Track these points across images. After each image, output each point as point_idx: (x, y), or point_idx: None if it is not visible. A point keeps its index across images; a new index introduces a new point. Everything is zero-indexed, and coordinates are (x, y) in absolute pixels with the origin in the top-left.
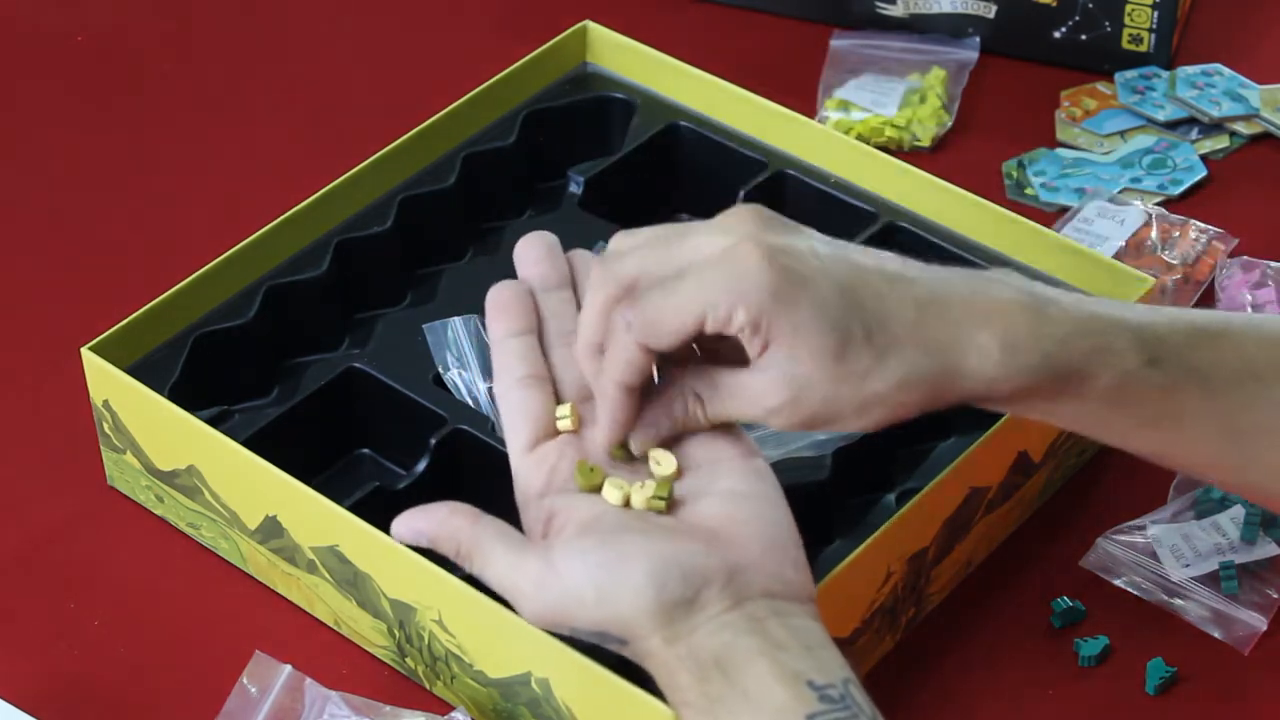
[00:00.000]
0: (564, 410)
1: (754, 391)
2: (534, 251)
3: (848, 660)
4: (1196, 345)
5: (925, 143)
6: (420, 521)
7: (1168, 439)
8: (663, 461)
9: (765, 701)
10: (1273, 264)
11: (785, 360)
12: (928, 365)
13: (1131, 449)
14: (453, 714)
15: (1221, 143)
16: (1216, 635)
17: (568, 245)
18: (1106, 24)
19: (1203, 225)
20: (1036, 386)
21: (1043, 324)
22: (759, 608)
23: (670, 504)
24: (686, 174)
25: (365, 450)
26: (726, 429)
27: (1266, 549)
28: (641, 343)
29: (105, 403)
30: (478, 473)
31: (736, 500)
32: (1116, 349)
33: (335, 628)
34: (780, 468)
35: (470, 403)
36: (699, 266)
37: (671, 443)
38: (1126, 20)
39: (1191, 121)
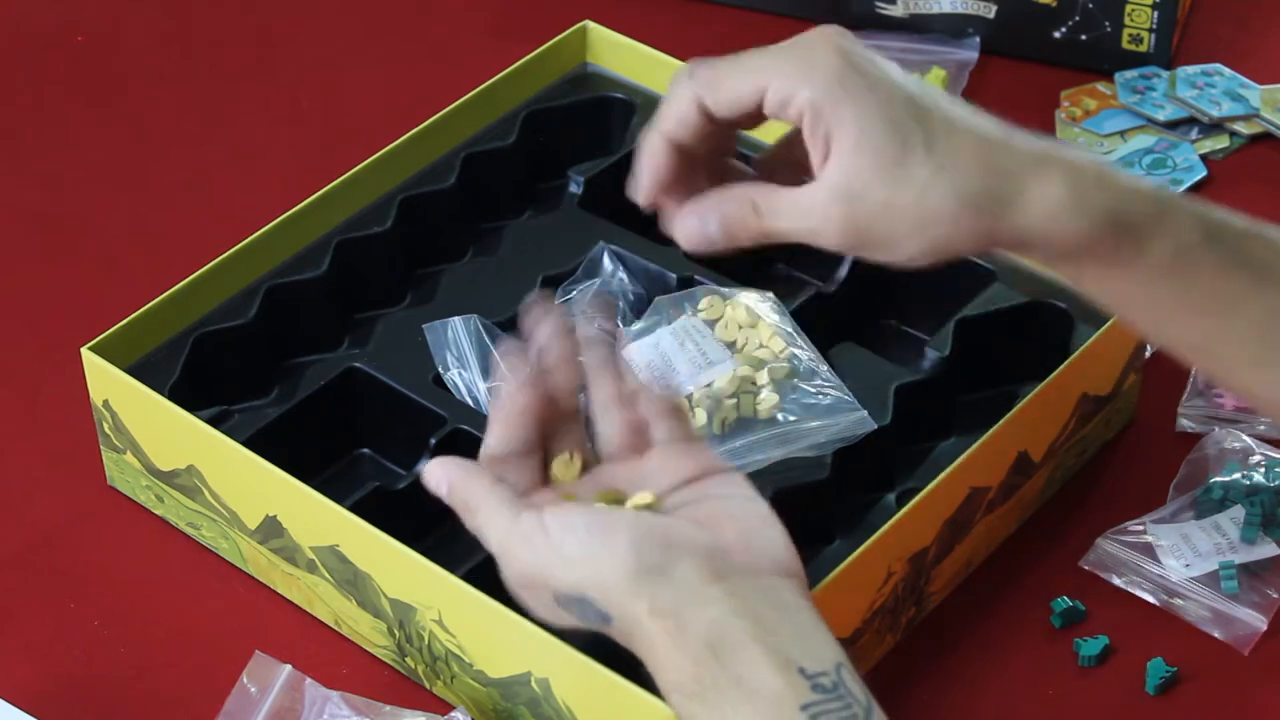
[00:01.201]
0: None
1: (811, 202)
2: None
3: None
4: (1254, 236)
5: None
6: (451, 473)
7: (1213, 328)
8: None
9: (758, 689)
10: None
11: (845, 160)
12: (991, 186)
13: (1175, 340)
14: (453, 714)
15: (1221, 143)
16: (1216, 635)
17: (568, 245)
18: (1106, 24)
19: None
20: (1095, 240)
21: (1109, 180)
22: (743, 584)
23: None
24: None
25: (365, 450)
26: (695, 455)
27: (1266, 549)
28: (697, 95)
29: (105, 403)
30: None
31: (718, 500)
32: (1179, 219)
33: (335, 628)
34: (780, 467)
35: (470, 403)
36: (773, 50)
37: (643, 449)
38: (1126, 20)
39: (1191, 121)
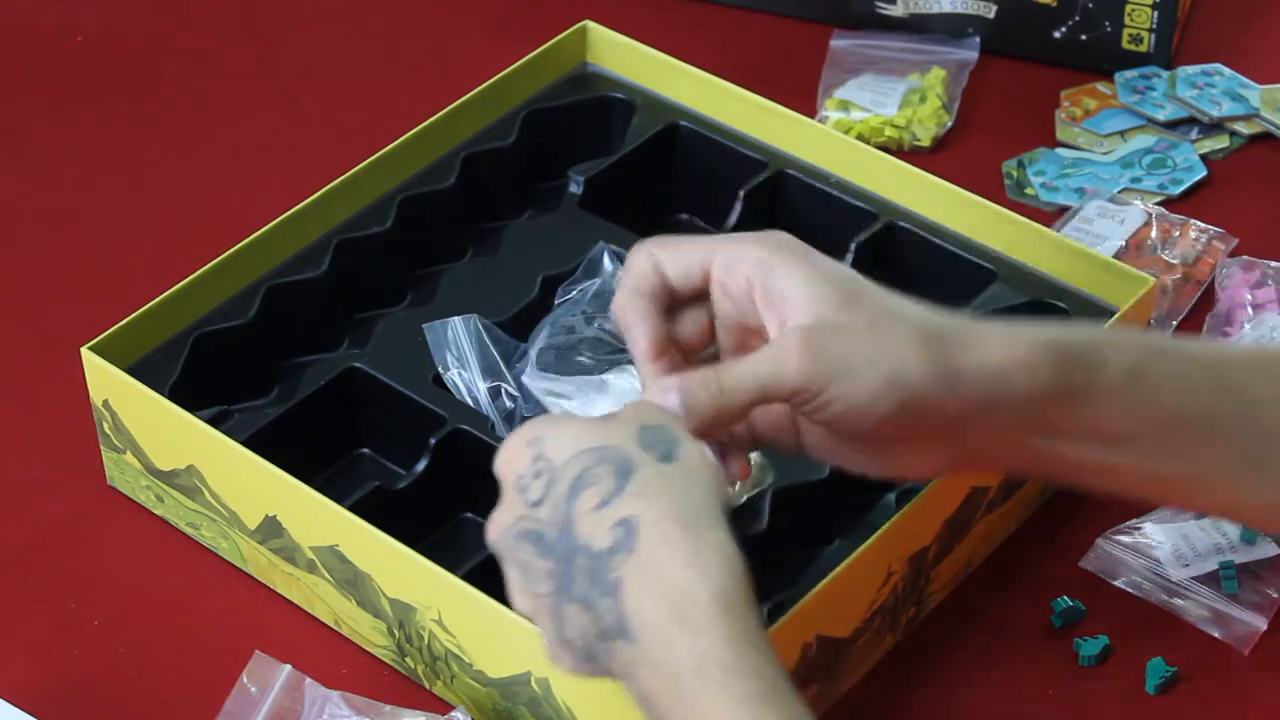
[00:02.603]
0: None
1: (772, 346)
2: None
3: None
4: (1194, 343)
5: (925, 143)
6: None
7: (1190, 446)
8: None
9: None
10: (1273, 264)
11: (799, 301)
12: (940, 324)
13: (1158, 477)
14: (453, 714)
15: (1221, 143)
16: (1216, 635)
17: (568, 245)
18: (1106, 24)
19: (1203, 225)
20: (1049, 378)
21: (1040, 325)
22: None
23: None
24: (686, 174)
25: (365, 450)
26: None
27: (1266, 549)
28: (654, 256)
29: (105, 403)
30: (478, 473)
31: None
32: (1117, 340)
33: (335, 628)
34: (779, 465)
35: (470, 403)
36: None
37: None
38: (1126, 20)
39: (1191, 121)
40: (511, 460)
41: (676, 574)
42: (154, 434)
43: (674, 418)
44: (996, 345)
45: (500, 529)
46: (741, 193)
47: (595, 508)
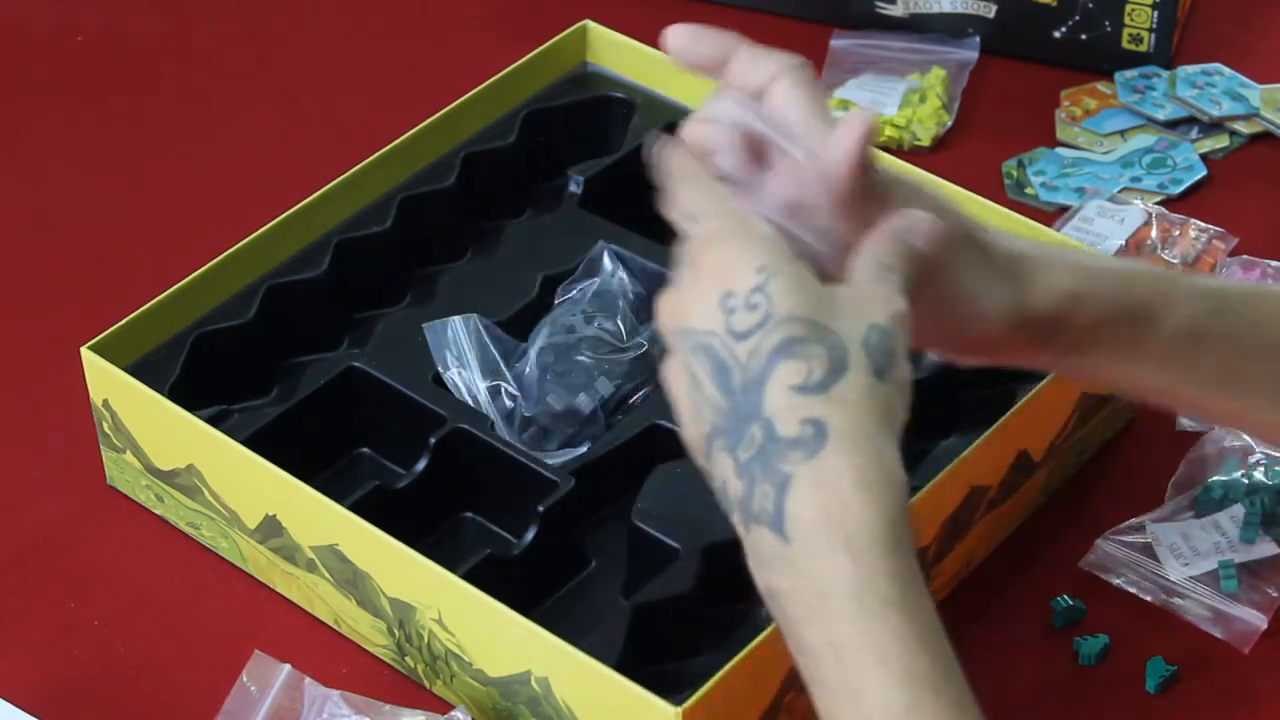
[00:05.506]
0: None
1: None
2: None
3: None
4: (1253, 298)
5: (925, 142)
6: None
7: (1231, 405)
8: None
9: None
10: (1273, 263)
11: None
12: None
13: (1187, 412)
14: (453, 713)
15: (1221, 142)
16: (1216, 634)
17: (568, 245)
18: (1106, 24)
19: (1203, 224)
20: (1110, 317)
21: (1103, 259)
22: None
23: None
24: None
25: (365, 450)
26: None
27: (1266, 548)
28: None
29: (105, 402)
30: (478, 472)
31: None
32: (1179, 291)
33: (335, 627)
34: None
35: (470, 402)
36: None
37: None
38: (1126, 20)
39: (1191, 121)
40: (729, 266)
41: (850, 494)
42: (154, 434)
43: (901, 320)
44: (1063, 283)
45: (684, 319)
46: None
47: (794, 387)
